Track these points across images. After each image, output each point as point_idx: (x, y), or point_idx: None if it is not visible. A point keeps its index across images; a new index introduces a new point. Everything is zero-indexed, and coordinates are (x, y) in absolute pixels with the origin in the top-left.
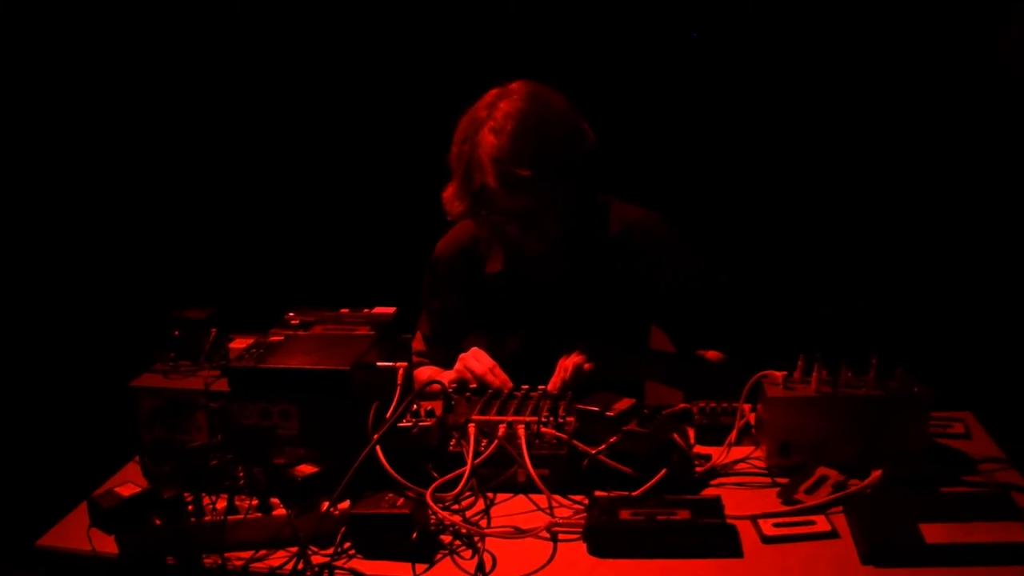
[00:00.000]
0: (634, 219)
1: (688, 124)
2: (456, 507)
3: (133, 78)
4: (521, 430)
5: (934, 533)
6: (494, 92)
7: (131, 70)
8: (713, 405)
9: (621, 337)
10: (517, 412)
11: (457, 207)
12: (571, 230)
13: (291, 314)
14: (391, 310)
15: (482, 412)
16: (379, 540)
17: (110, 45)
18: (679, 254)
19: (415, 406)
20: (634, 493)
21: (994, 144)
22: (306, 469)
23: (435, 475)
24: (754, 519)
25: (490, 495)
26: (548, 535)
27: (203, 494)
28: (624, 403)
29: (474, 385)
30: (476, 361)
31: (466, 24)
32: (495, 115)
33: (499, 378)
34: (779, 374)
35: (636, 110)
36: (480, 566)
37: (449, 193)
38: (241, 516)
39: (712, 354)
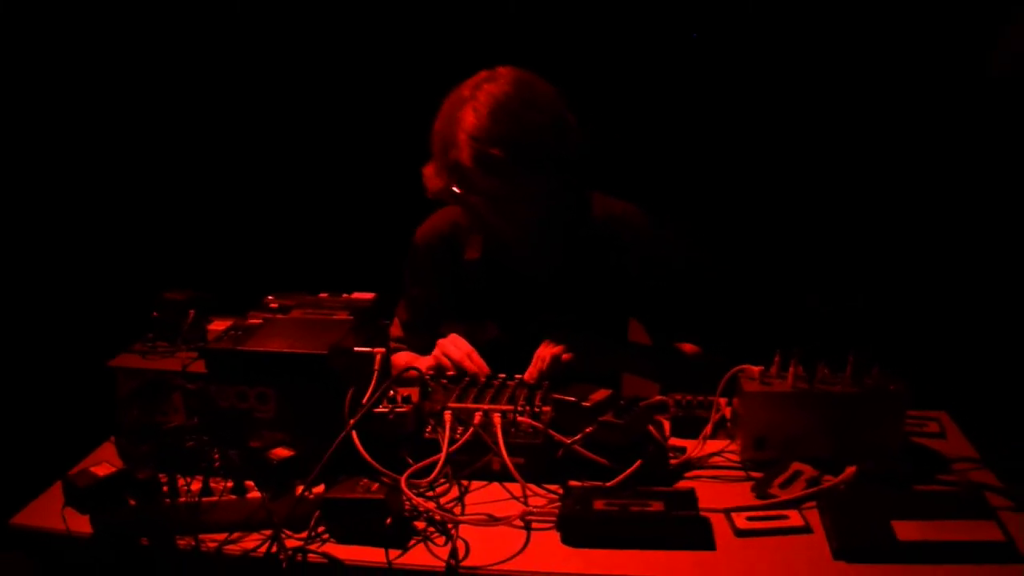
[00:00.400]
0: (615, 211)
1: (688, 122)
2: (431, 494)
3: (120, 67)
4: (497, 418)
5: (906, 530)
6: (482, 74)
7: (118, 59)
8: (689, 398)
9: (600, 328)
10: (494, 400)
11: (435, 184)
12: (551, 220)
13: (270, 297)
14: (370, 296)
15: (459, 400)
16: (353, 525)
17: (97, 35)
18: (661, 247)
19: (392, 392)
20: (608, 484)
21: (983, 147)
22: (281, 452)
23: (410, 461)
24: (727, 512)
25: (465, 482)
26: (522, 523)
27: (178, 475)
28: (601, 394)
29: (451, 372)
30: (454, 347)
31: (465, 22)
32: (478, 95)
33: (476, 364)
34: (756, 369)
35: (635, 107)
36: (453, 553)
37: (429, 170)
38: (216, 498)
39: (688, 347)
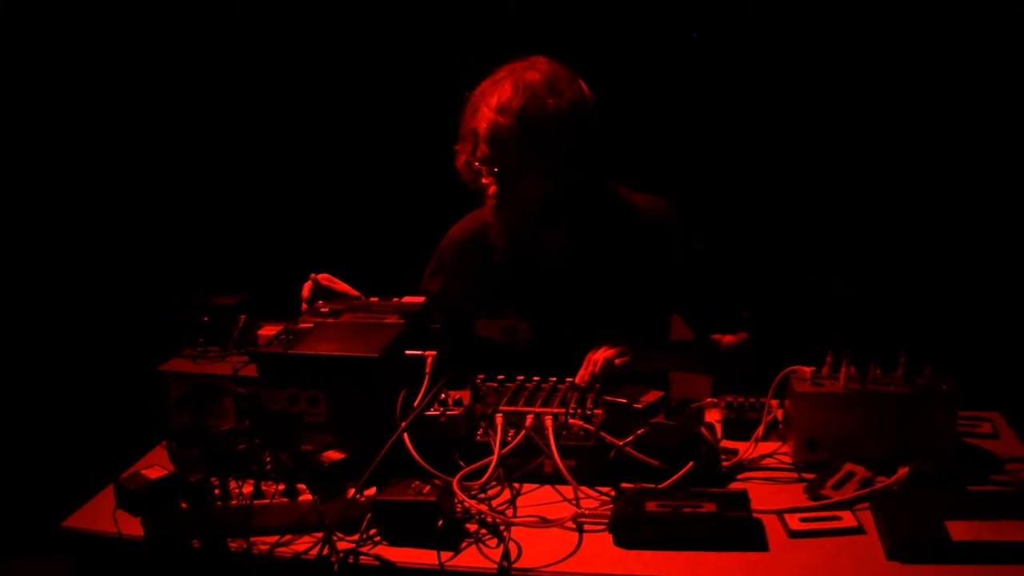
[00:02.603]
0: (642, 204)
1: (697, 118)
2: (482, 496)
3: (155, 79)
4: (548, 421)
5: (960, 531)
6: (522, 62)
7: (154, 72)
8: (741, 400)
9: (636, 323)
10: (545, 403)
11: (459, 160)
12: (557, 211)
13: (320, 302)
14: (420, 299)
15: (510, 403)
16: (405, 527)
17: (152, 30)
18: (689, 238)
19: (443, 395)
20: (661, 485)
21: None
22: (333, 455)
23: (462, 464)
24: (780, 513)
25: (516, 485)
26: (574, 526)
27: (230, 478)
28: (652, 395)
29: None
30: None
31: (465, 21)
32: (510, 76)
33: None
34: (807, 370)
35: (640, 104)
36: (505, 555)
37: (457, 146)
38: (267, 501)
39: (729, 338)
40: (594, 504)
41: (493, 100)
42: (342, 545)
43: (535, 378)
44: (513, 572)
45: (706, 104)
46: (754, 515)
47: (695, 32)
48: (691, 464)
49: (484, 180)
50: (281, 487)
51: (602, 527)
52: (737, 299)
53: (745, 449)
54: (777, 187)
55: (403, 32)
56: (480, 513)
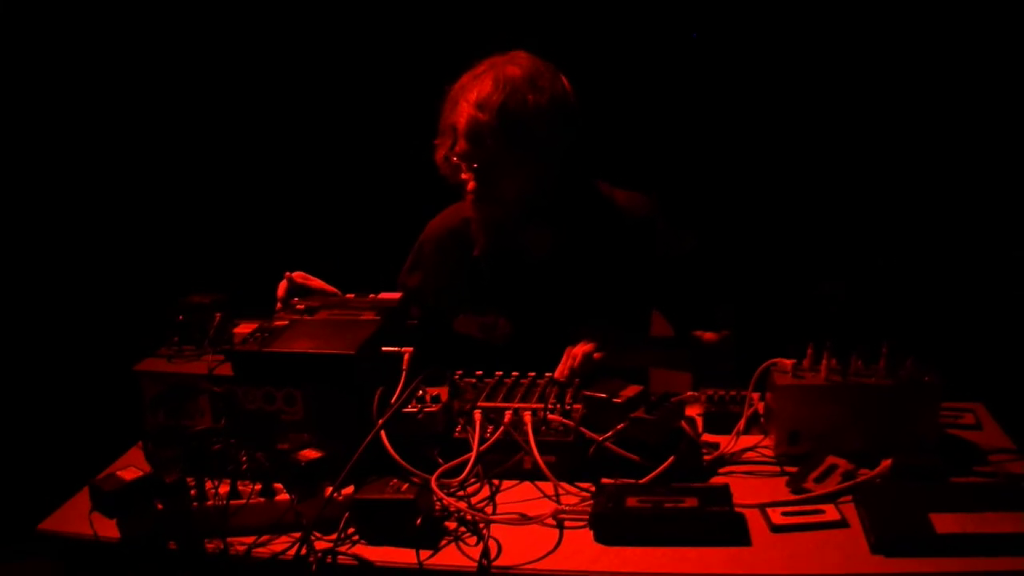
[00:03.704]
0: (623, 201)
1: (693, 119)
2: (461, 493)
3: (143, 68)
4: (527, 416)
5: (945, 523)
6: (503, 56)
7: (140, 60)
8: (721, 393)
9: (617, 319)
10: (524, 399)
11: (438, 155)
12: (538, 207)
13: (296, 299)
14: (397, 295)
15: (488, 398)
16: (383, 526)
17: (128, 31)
18: (670, 234)
19: (420, 391)
20: (641, 481)
21: (1006, 132)
22: (310, 454)
23: (440, 461)
24: (763, 508)
25: (496, 482)
26: (554, 522)
27: (206, 478)
28: (632, 390)
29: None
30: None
31: (468, 22)
32: (490, 71)
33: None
34: (788, 362)
35: (636, 101)
36: (485, 552)
37: (437, 141)
38: (244, 501)
39: (711, 335)
40: (574, 500)
41: (473, 95)
42: (320, 545)
43: (514, 373)
44: (493, 570)
45: (691, 101)
46: (736, 509)
47: (695, 32)
48: (672, 459)
49: (463, 175)
50: (258, 487)
51: (583, 523)
52: (722, 296)
53: (726, 443)
54: (761, 183)
55: (379, 25)
56: (459, 511)
